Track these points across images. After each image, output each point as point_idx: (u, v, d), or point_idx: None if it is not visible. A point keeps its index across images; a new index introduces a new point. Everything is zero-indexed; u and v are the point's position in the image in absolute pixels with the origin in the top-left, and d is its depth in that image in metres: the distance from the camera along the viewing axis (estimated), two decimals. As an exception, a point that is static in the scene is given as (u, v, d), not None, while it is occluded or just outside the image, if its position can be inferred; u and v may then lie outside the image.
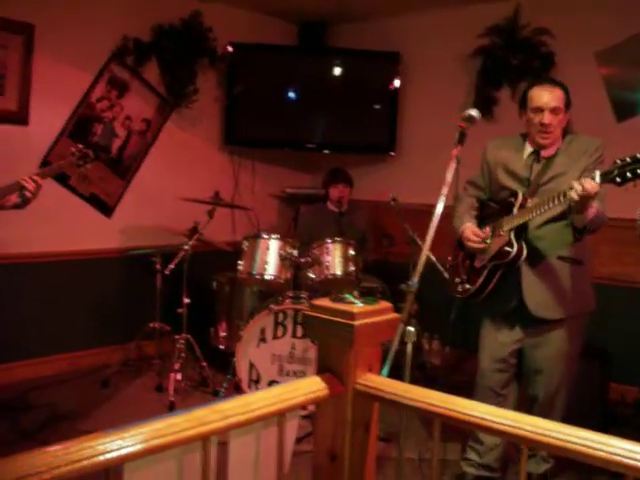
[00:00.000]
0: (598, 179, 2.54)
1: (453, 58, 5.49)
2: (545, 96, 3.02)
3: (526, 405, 3.29)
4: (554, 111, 3.02)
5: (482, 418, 1.48)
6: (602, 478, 3.41)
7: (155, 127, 5.34)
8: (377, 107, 6.00)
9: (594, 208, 2.75)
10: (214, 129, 5.84)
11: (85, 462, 1.21)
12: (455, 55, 5.46)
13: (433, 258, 4.50)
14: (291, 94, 6.01)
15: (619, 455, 1.32)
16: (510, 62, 5.07)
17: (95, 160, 3.82)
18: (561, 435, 1.38)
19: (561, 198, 2.71)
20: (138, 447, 1.29)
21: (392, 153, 5.99)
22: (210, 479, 1.47)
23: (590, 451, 1.35)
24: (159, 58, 5.23)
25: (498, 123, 5.11)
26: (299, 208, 5.84)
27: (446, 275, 4.14)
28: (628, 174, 2.44)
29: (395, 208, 4.91)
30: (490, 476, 3.45)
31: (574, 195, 2.58)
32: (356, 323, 1.67)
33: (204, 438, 1.42)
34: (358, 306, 1.71)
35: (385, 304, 1.80)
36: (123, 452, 1.26)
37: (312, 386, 1.67)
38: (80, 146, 3.76)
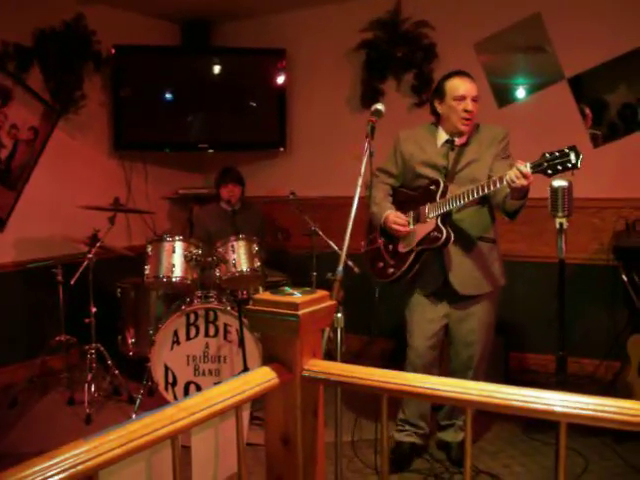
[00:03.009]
0: (529, 170, 2.76)
1: (338, 52, 5.65)
2: (467, 85, 3.24)
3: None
4: (475, 99, 3.24)
5: (431, 388, 1.59)
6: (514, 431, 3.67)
7: (43, 135, 5.19)
8: (265, 104, 6.07)
9: (528, 194, 2.97)
10: (103, 134, 5.73)
11: (71, 471, 1.22)
12: (340, 49, 5.62)
13: (335, 247, 4.66)
14: (177, 95, 5.97)
15: (554, 405, 1.47)
16: (394, 55, 5.28)
17: None
18: (504, 395, 1.51)
19: (497, 184, 2.92)
20: (117, 451, 1.31)
21: (282, 149, 6.08)
22: (178, 477, 1.51)
23: (530, 405, 1.48)
24: (42, 63, 5.07)
25: (385, 114, 5.29)
26: (192, 209, 5.83)
27: (350, 263, 4.31)
28: (559, 167, 2.68)
29: (294, 202, 5.02)
30: (421, 443, 3.67)
31: (513, 177, 2.80)
32: (300, 312, 1.74)
33: (173, 436, 1.46)
34: (300, 296, 1.79)
35: (322, 292, 1.89)
36: (106, 457, 1.28)
37: (264, 376, 1.73)
38: None
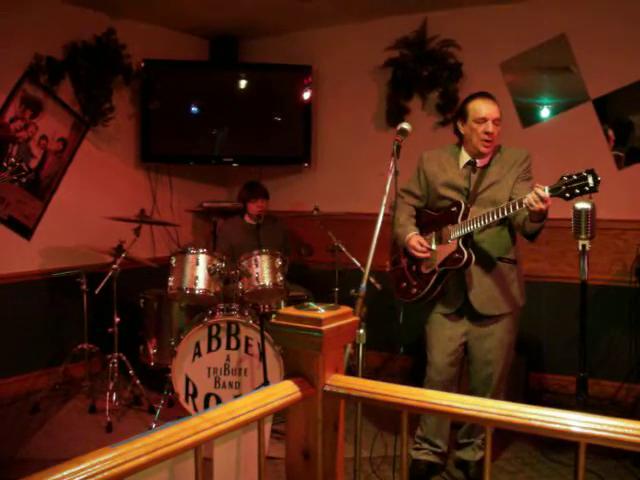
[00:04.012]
0: (547, 193, 2.78)
1: (364, 70, 5.69)
2: (489, 107, 3.26)
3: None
4: (496, 122, 3.26)
5: (450, 406, 1.60)
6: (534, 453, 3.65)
7: (71, 146, 5.28)
8: (290, 119, 6.13)
9: (547, 216, 2.98)
10: (130, 146, 5.82)
11: (98, 477, 1.25)
12: (366, 67, 5.67)
13: (358, 263, 4.68)
14: (204, 109, 6.05)
15: (573, 425, 1.48)
16: (420, 73, 5.30)
17: (29, 174, 3.74)
18: (524, 414, 1.52)
19: (516, 207, 2.95)
20: (142, 459, 1.34)
21: (306, 164, 6.12)
22: (200, 486, 1.54)
23: (550, 425, 1.49)
24: (73, 76, 5.17)
25: (410, 133, 5.33)
26: (216, 222, 5.90)
27: (372, 280, 4.34)
28: (577, 190, 2.70)
29: (317, 218, 5.06)
30: (438, 462, 3.67)
31: (532, 201, 2.82)
32: (324, 328, 1.76)
33: (197, 446, 1.48)
34: (324, 312, 1.81)
35: (346, 308, 1.91)
36: (131, 464, 1.31)
37: (286, 390, 1.76)
38: (12, 160, 3.68)
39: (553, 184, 2.80)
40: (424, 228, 3.45)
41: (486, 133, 3.25)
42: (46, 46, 4.98)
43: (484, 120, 3.25)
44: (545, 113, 5.04)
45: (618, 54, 4.67)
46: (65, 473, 1.22)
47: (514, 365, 3.68)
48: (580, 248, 2.61)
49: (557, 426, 1.49)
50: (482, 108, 3.26)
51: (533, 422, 1.51)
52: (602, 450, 1.49)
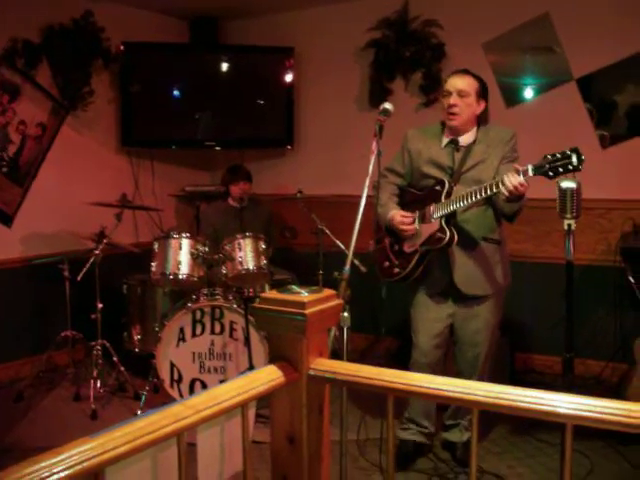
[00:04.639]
0: (531, 172, 2.78)
1: (346, 51, 5.65)
2: (454, 80, 3.29)
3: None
4: (460, 93, 3.25)
5: (438, 389, 1.59)
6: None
7: (51, 131, 5.20)
8: (273, 102, 6.07)
9: (524, 198, 2.97)
10: (111, 131, 5.75)
11: (77, 468, 1.22)
12: (348, 48, 5.62)
13: (342, 246, 4.66)
14: (185, 92, 5.98)
15: (560, 407, 1.47)
16: (402, 54, 5.27)
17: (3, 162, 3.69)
18: (511, 396, 1.51)
19: (494, 188, 2.93)
20: (123, 448, 1.31)
21: (289, 147, 6.08)
22: (183, 474, 1.51)
23: (537, 407, 1.48)
24: (51, 60, 5.08)
25: (393, 113, 5.29)
26: (199, 206, 5.85)
27: (356, 262, 4.32)
28: (560, 169, 2.69)
29: (301, 200, 5.02)
30: (425, 442, 3.67)
31: (508, 185, 2.82)
32: (307, 311, 1.73)
33: (179, 434, 1.46)
34: (308, 295, 1.78)
35: (329, 291, 1.88)
36: (112, 454, 1.28)
37: (270, 375, 1.73)
38: None
39: (536, 162, 2.78)
40: (407, 207, 3.42)
41: (448, 105, 3.26)
42: (22, 29, 4.89)
43: (449, 93, 3.28)
44: (529, 93, 5.03)
45: (602, 33, 4.65)
46: (43, 464, 1.19)
47: (499, 346, 3.68)
48: (565, 227, 2.59)
49: (544, 407, 1.48)
50: (449, 82, 3.31)
51: (519, 404, 1.49)
52: (588, 430, 1.48)
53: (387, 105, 2.79)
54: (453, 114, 3.27)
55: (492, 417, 4.01)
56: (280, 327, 1.81)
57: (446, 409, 3.75)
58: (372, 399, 4.13)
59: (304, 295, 1.80)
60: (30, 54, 4.94)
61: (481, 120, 3.35)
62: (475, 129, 3.35)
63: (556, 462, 3.53)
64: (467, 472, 3.44)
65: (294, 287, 1.88)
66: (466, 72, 3.32)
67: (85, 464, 1.24)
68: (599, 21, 4.67)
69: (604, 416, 1.43)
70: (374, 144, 2.63)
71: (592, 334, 4.73)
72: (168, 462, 1.50)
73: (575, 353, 2.75)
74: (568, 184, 2.58)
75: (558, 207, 2.61)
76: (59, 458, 1.22)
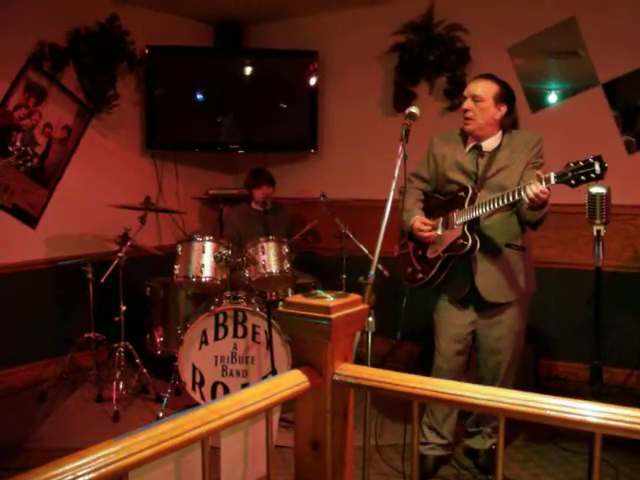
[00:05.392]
0: (553, 181, 2.74)
1: (370, 55, 5.63)
2: (471, 85, 3.28)
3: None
4: (475, 98, 3.23)
5: (462, 395, 1.57)
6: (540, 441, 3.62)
7: (76, 134, 5.24)
8: (297, 105, 6.07)
9: (547, 205, 2.94)
10: (135, 133, 5.78)
11: (102, 471, 1.22)
12: (372, 52, 5.61)
13: (365, 250, 4.64)
14: (209, 96, 6.00)
15: (588, 415, 1.44)
16: (427, 58, 5.24)
17: (34, 157, 3.73)
18: (537, 404, 1.49)
19: (516, 196, 2.91)
20: (146, 452, 1.31)
21: (313, 151, 6.07)
22: (207, 478, 1.50)
23: (565, 415, 1.46)
24: (77, 63, 5.13)
25: (417, 118, 5.28)
26: (222, 209, 5.86)
27: (380, 267, 4.30)
28: (582, 177, 2.65)
29: (324, 204, 5.02)
30: (446, 454, 3.63)
31: (529, 193, 2.79)
32: (333, 316, 1.72)
33: (203, 438, 1.45)
34: (333, 300, 1.77)
35: (355, 296, 1.87)
36: (136, 458, 1.28)
37: (295, 380, 1.72)
38: (18, 144, 3.66)
39: (559, 170, 2.75)
40: (432, 212, 3.40)
41: (463, 110, 3.26)
42: (49, 33, 4.94)
43: (464, 98, 3.29)
44: (554, 98, 4.98)
45: (628, 37, 4.60)
46: (67, 467, 1.19)
47: (524, 353, 3.63)
48: (595, 233, 2.56)
49: (572, 416, 1.46)
50: (467, 87, 3.32)
51: (547, 412, 1.47)
52: (614, 439, 1.46)
53: (413, 109, 2.78)
54: (467, 119, 3.26)
55: (515, 424, 3.96)
56: (305, 331, 1.79)
57: (468, 416, 3.71)
58: (396, 405, 4.12)
59: (329, 300, 1.79)
60: (56, 57, 4.99)
61: (507, 125, 3.30)
62: (500, 134, 3.30)
63: (580, 471, 3.49)
64: (489, 479, 3.41)
65: (319, 291, 1.87)
66: (487, 77, 3.29)
67: (109, 467, 1.24)
68: (625, 26, 4.61)
69: (635, 426, 1.40)
70: (400, 148, 2.61)
71: (617, 342, 4.67)
72: (191, 466, 1.49)
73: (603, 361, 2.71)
74: (598, 190, 2.55)
75: (587, 213, 2.58)
76: (83, 461, 1.22)
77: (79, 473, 1.19)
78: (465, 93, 3.29)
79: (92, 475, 1.21)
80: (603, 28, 4.68)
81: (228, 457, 1.64)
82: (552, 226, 4.48)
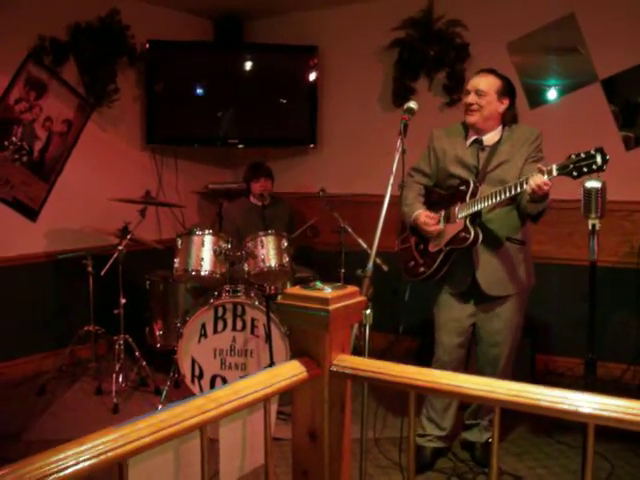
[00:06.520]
0: (555, 172, 2.77)
1: (370, 50, 5.65)
2: (474, 79, 3.32)
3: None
4: (478, 92, 3.26)
5: (459, 386, 1.59)
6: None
7: (76, 128, 5.26)
8: (296, 100, 6.09)
9: (548, 198, 2.96)
10: (135, 128, 5.80)
11: (102, 457, 1.24)
12: (372, 47, 5.62)
13: (364, 244, 4.66)
14: (209, 90, 6.01)
15: (582, 406, 1.46)
16: (426, 53, 5.26)
17: (29, 154, 3.75)
18: (533, 394, 1.51)
19: (518, 188, 2.94)
20: (146, 439, 1.33)
21: (312, 146, 6.09)
22: (205, 467, 1.53)
23: (559, 406, 1.48)
24: (77, 57, 5.14)
25: (417, 113, 5.29)
26: (222, 204, 5.88)
27: (379, 261, 4.33)
28: (584, 169, 2.68)
29: (323, 199, 5.03)
30: (443, 446, 3.66)
31: (532, 184, 2.82)
32: (331, 308, 1.74)
33: (202, 427, 1.47)
34: (331, 291, 1.79)
35: (353, 288, 1.89)
36: (135, 445, 1.30)
37: (292, 370, 1.74)
38: (13, 139, 3.67)
39: (561, 162, 2.77)
40: (433, 206, 3.43)
41: (465, 104, 3.31)
42: (50, 27, 4.95)
43: (468, 92, 3.32)
44: (553, 94, 5.00)
45: (627, 34, 4.62)
46: (69, 453, 1.21)
47: (520, 347, 3.65)
48: (590, 227, 2.58)
49: (566, 407, 1.48)
50: (470, 81, 3.36)
51: (542, 403, 1.49)
52: (608, 432, 1.48)
53: (412, 104, 2.80)
54: (470, 111, 3.30)
55: (511, 418, 4.00)
56: (303, 323, 1.81)
57: (466, 408, 3.74)
58: (393, 398, 4.14)
59: (328, 291, 1.80)
60: (57, 51, 5.00)
61: (508, 120, 3.34)
62: (500, 128, 3.34)
63: (576, 464, 3.51)
64: (486, 472, 3.44)
65: (318, 283, 1.88)
66: (489, 71, 3.33)
67: (109, 454, 1.26)
68: (624, 22, 4.63)
69: (627, 417, 1.42)
70: (398, 142, 2.63)
71: (613, 337, 4.70)
72: (190, 454, 1.51)
73: (596, 355, 2.73)
74: (593, 184, 2.57)
75: (582, 207, 2.60)
76: (84, 447, 1.24)
77: (80, 459, 1.21)
78: (468, 87, 3.32)
79: (93, 461, 1.24)
80: (602, 24, 4.70)
81: (226, 446, 1.66)
82: (549, 221, 4.51)
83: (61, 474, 1.18)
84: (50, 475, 1.17)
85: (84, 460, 1.22)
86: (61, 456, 1.20)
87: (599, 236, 2.64)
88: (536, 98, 5.00)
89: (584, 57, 4.80)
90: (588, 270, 2.79)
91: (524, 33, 4.97)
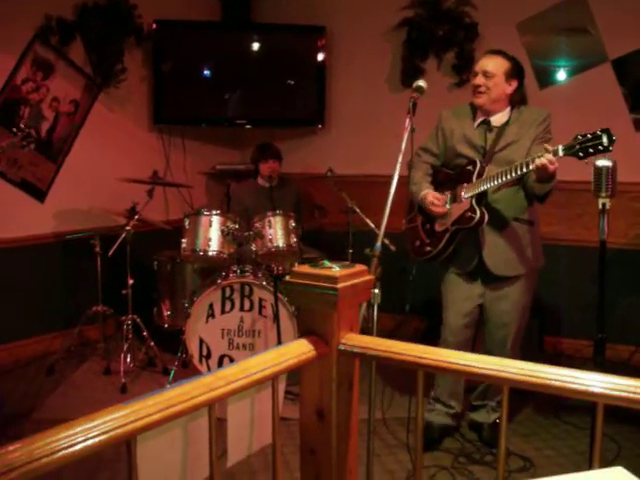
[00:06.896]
0: (561, 152, 2.76)
1: (379, 30, 5.59)
2: (482, 61, 3.30)
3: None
4: (486, 74, 3.25)
5: (468, 365, 1.59)
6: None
7: (83, 108, 5.24)
8: (304, 81, 6.05)
9: (555, 179, 2.96)
10: (143, 108, 5.78)
11: (110, 434, 1.24)
12: (381, 27, 5.56)
13: (372, 225, 4.64)
14: (216, 70, 5.98)
15: (592, 386, 1.46)
16: (435, 33, 5.21)
17: (36, 140, 3.78)
18: (542, 374, 1.50)
19: (524, 168, 2.93)
20: (155, 417, 1.33)
21: (320, 126, 6.06)
22: (214, 444, 1.53)
23: (569, 385, 1.47)
24: (84, 37, 5.11)
25: (425, 93, 5.25)
26: (229, 184, 5.86)
27: (386, 241, 4.31)
28: (590, 150, 2.67)
29: (331, 180, 5.02)
30: (451, 424, 3.67)
31: (538, 164, 2.82)
32: (339, 286, 1.74)
33: (210, 404, 1.47)
34: (340, 270, 1.79)
35: (361, 267, 1.88)
36: (144, 422, 1.30)
37: (301, 349, 1.74)
38: (21, 125, 3.70)
39: (567, 143, 2.76)
40: (440, 186, 3.43)
41: (473, 85, 3.30)
42: (56, 6, 4.91)
43: (476, 74, 3.30)
44: (562, 74, 4.95)
45: (638, 13, 4.56)
46: (78, 429, 1.22)
47: (528, 328, 3.65)
48: (600, 207, 2.56)
49: (576, 386, 1.48)
50: (478, 63, 3.34)
51: (552, 382, 1.49)
52: (617, 414, 1.47)
53: (421, 82, 2.78)
54: (478, 93, 3.28)
55: (519, 399, 4.00)
56: (311, 301, 1.81)
57: (473, 390, 3.74)
58: (398, 377, 4.14)
59: (336, 270, 1.80)
60: (64, 31, 4.97)
61: (516, 101, 3.32)
62: (508, 109, 3.32)
63: (584, 445, 3.51)
64: (493, 453, 3.45)
65: (326, 262, 1.88)
66: (497, 52, 3.31)
67: (118, 431, 1.27)
68: (635, 2, 4.57)
69: (636, 396, 1.41)
70: (407, 121, 2.61)
71: (622, 319, 4.68)
72: (198, 432, 1.52)
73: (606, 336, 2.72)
74: (604, 162, 2.55)
75: (593, 186, 2.58)
76: (93, 424, 1.24)
77: (90, 435, 1.22)
78: (476, 69, 3.30)
79: (102, 437, 1.24)
80: (612, 4, 4.64)
81: (234, 425, 1.66)
82: (559, 203, 4.49)
83: (70, 450, 1.18)
84: (59, 451, 1.18)
85: (93, 437, 1.22)
86: (70, 432, 1.21)
87: (609, 217, 2.62)
88: (546, 78, 4.96)
89: (594, 37, 4.75)
90: (597, 252, 2.77)
91: (534, 13, 4.91)
